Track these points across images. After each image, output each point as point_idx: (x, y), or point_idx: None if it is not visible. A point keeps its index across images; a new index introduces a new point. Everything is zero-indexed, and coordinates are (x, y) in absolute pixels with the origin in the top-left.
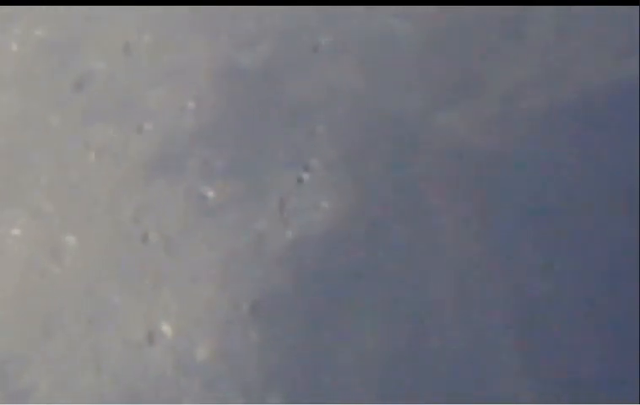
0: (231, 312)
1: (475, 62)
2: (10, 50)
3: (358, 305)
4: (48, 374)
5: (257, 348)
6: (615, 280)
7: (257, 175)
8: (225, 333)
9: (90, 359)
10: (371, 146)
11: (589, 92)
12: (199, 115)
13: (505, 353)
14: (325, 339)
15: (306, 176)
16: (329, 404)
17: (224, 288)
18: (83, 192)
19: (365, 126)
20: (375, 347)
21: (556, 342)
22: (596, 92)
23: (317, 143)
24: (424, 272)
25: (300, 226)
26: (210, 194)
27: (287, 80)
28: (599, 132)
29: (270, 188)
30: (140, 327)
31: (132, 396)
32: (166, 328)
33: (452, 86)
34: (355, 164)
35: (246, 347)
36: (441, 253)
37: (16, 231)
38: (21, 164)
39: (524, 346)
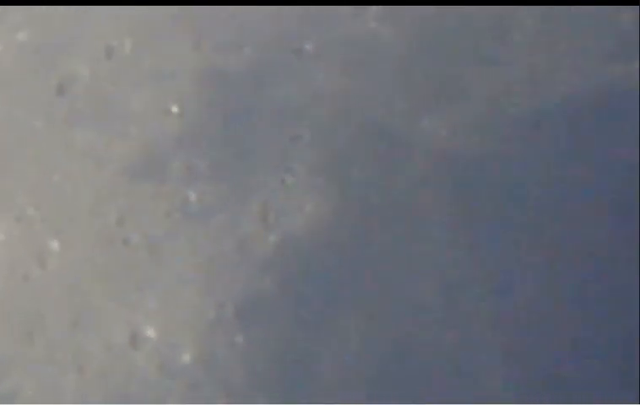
0: (215, 315)
1: (460, 66)
2: None
3: (342, 308)
4: (32, 377)
5: (241, 351)
6: (600, 282)
7: (240, 179)
8: (208, 337)
9: (74, 362)
10: (355, 150)
11: (574, 96)
12: (183, 118)
13: (490, 356)
14: (309, 342)
15: (289, 180)
16: None
17: (208, 292)
18: (66, 196)
19: (349, 130)
20: (359, 350)
21: (541, 344)
22: (581, 96)
23: (301, 146)
24: (408, 274)
25: (284, 230)
26: (194, 197)
27: (271, 84)
28: (584, 136)
29: (254, 192)
30: (124, 331)
31: (116, 400)
32: (150, 332)
33: (437, 90)
34: (339, 168)
35: (231, 350)
36: (425, 256)
37: None
38: (4, 168)
39: (509, 348)
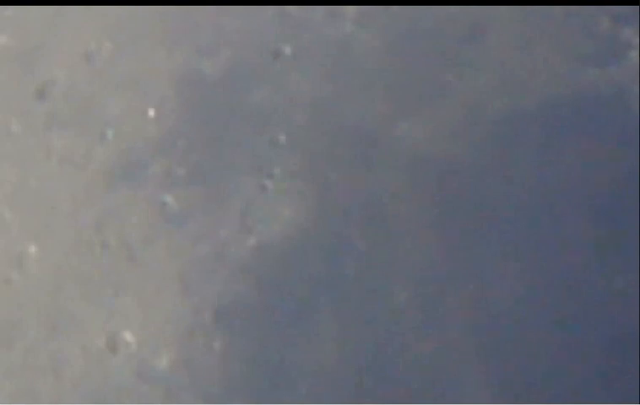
0: (193, 320)
1: (437, 70)
2: None
3: (320, 312)
4: (9, 381)
5: (219, 356)
6: (575, 286)
7: (219, 183)
8: (187, 341)
9: (51, 366)
10: (332, 154)
11: (551, 99)
12: (161, 122)
13: (465, 360)
14: (287, 348)
15: (268, 184)
16: None
17: (186, 297)
18: (44, 200)
19: (326, 134)
20: (337, 355)
21: (516, 349)
22: (558, 99)
23: (279, 150)
24: (385, 279)
25: (262, 234)
26: (172, 202)
27: (248, 88)
28: (561, 140)
29: (232, 196)
30: (102, 335)
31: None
32: (128, 336)
33: (414, 94)
34: (317, 173)
35: (209, 355)
36: (402, 261)
37: None
38: None
39: (484, 353)
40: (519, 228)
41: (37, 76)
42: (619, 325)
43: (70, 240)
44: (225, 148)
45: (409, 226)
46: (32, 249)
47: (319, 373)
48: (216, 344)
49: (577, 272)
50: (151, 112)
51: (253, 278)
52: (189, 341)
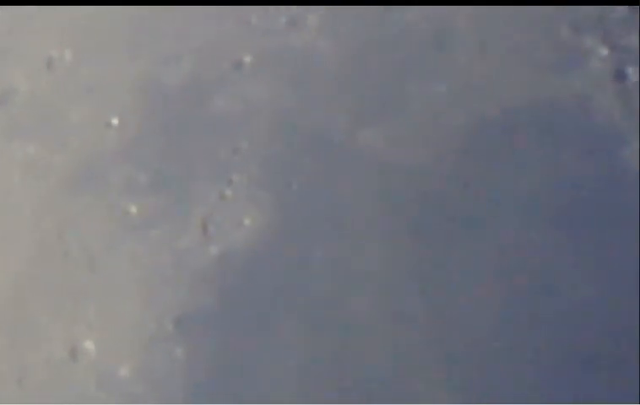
0: (155, 329)
1: (398, 78)
2: None
3: (281, 320)
4: None
5: (180, 364)
6: (539, 293)
7: (180, 191)
8: (148, 350)
9: (12, 375)
10: (293, 162)
11: (513, 107)
12: (122, 131)
13: (426, 368)
14: (248, 355)
15: (229, 192)
16: None
17: (147, 305)
18: (6, 209)
19: (287, 142)
20: (298, 362)
21: (477, 357)
22: (519, 107)
23: (240, 159)
24: (346, 287)
25: (223, 242)
26: (134, 210)
27: (210, 96)
28: (523, 147)
29: (194, 204)
30: (63, 344)
31: None
32: (89, 345)
33: (375, 102)
34: (279, 181)
35: (170, 363)
36: (363, 269)
37: None
38: None
39: (447, 359)
40: (482, 235)
41: None
42: (583, 332)
43: (32, 248)
44: (186, 156)
45: (371, 234)
46: None
47: (280, 381)
48: (177, 352)
49: (541, 279)
50: (113, 120)
51: (215, 285)
52: (150, 349)
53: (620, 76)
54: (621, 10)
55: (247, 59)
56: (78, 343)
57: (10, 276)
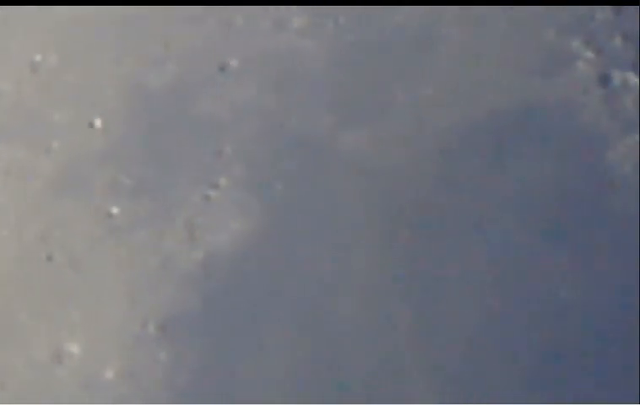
0: (139, 331)
1: (383, 81)
2: None
3: (265, 324)
4: None
5: (164, 367)
6: (521, 295)
7: (164, 194)
8: (132, 352)
9: None
10: (278, 165)
11: (498, 110)
12: (107, 134)
13: (411, 371)
14: (232, 357)
15: (213, 195)
16: None
17: (131, 308)
18: None
19: (272, 145)
20: (281, 363)
21: (459, 358)
22: (504, 110)
23: (225, 161)
24: (329, 289)
25: (207, 244)
26: (118, 213)
27: (194, 99)
28: (508, 150)
29: (178, 207)
30: (47, 347)
31: None
32: (73, 348)
33: (360, 105)
34: (263, 183)
35: (154, 366)
36: (346, 271)
37: None
38: None
39: (429, 360)
40: (466, 237)
41: None
42: (562, 334)
43: (15, 251)
44: (171, 159)
45: (356, 237)
46: None
47: (266, 383)
48: (162, 355)
49: (524, 281)
50: (97, 124)
51: (199, 288)
52: (135, 352)
53: (604, 79)
54: (606, 14)
55: (232, 61)
56: (63, 346)
57: None
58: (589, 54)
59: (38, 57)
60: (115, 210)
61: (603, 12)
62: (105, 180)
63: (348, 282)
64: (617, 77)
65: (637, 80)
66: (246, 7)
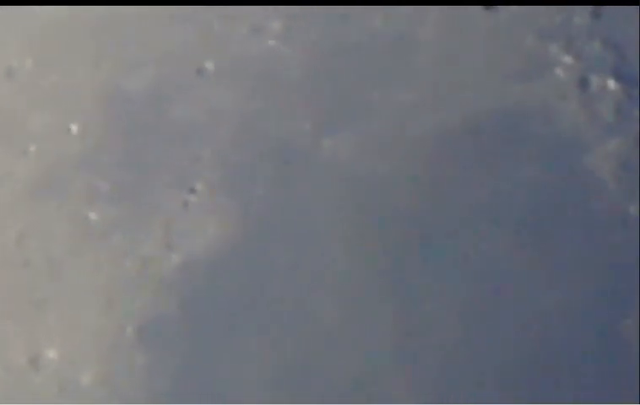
0: (117, 336)
1: (362, 86)
2: None
3: (243, 327)
4: None
5: (142, 372)
6: (503, 302)
7: (142, 199)
8: (110, 358)
9: None
10: (256, 169)
11: (477, 115)
12: (84, 138)
13: (391, 373)
14: (211, 363)
15: (191, 199)
16: None
17: (109, 313)
18: None
19: (250, 149)
20: (260, 369)
21: (441, 364)
22: (484, 115)
23: (203, 166)
24: (309, 294)
25: (185, 249)
26: (95, 217)
27: (172, 104)
28: (487, 156)
29: (155, 211)
30: (24, 352)
31: None
32: (51, 353)
33: (338, 110)
34: (241, 188)
35: (132, 371)
36: (326, 275)
37: None
38: None
39: (409, 364)
40: (446, 243)
41: None
42: (546, 339)
43: None
44: (148, 164)
45: (335, 242)
46: None
47: (245, 387)
48: (139, 361)
49: (505, 288)
50: (74, 128)
51: (177, 293)
52: (112, 357)
53: (584, 84)
54: (585, 18)
55: (210, 66)
56: (40, 352)
57: None
58: (568, 59)
59: (14, 63)
60: (92, 215)
61: (582, 16)
62: (83, 184)
63: (327, 286)
64: (596, 81)
65: (616, 85)
66: (224, 9)
